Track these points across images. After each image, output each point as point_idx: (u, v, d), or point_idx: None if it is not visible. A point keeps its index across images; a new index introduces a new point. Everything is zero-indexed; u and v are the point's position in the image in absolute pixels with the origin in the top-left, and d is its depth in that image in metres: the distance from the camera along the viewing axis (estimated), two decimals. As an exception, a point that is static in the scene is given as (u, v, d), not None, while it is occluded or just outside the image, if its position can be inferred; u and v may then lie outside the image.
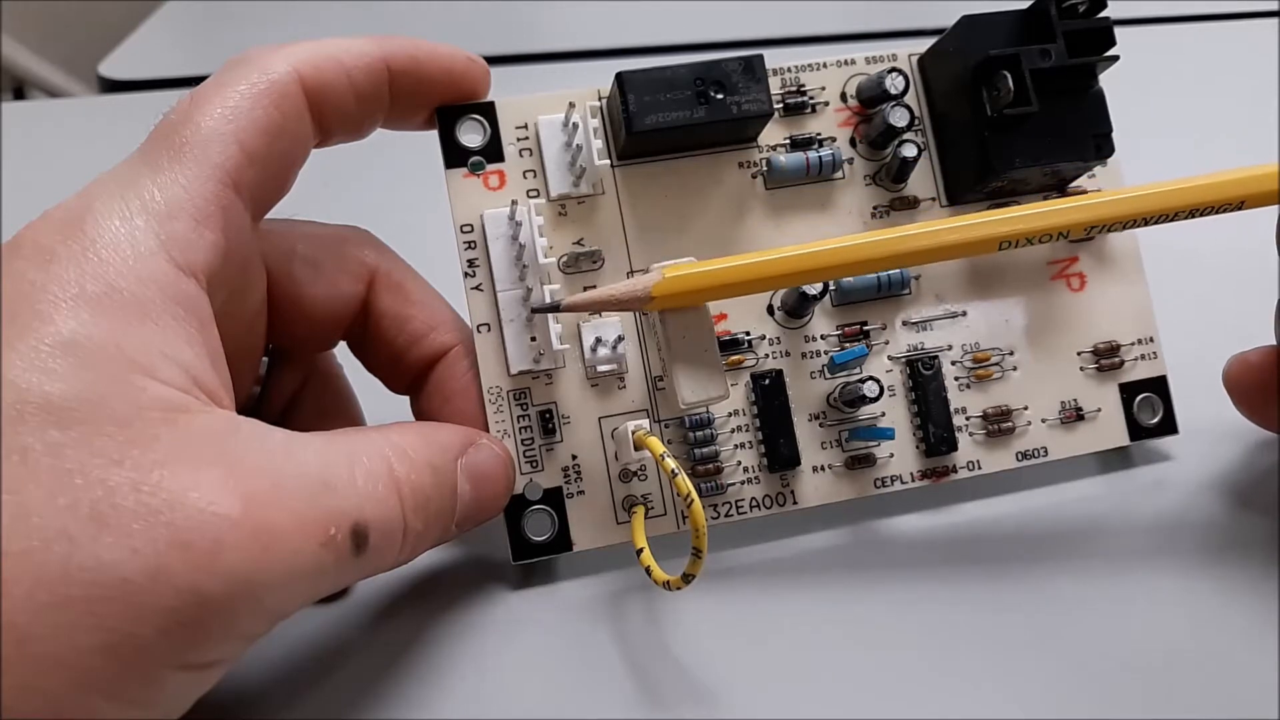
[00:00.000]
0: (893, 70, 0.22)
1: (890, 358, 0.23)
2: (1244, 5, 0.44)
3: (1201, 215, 0.20)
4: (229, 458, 0.15)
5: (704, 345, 0.20)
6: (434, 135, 0.21)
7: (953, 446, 0.23)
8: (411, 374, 0.22)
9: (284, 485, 0.15)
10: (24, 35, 0.74)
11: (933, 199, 0.23)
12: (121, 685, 0.13)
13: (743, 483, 0.22)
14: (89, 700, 0.13)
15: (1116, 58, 0.22)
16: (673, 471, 0.18)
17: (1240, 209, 0.20)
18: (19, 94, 0.76)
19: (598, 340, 0.21)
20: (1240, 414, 0.23)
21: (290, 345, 0.22)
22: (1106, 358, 0.24)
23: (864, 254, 0.19)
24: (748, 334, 0.22)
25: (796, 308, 0.22)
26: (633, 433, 0.20)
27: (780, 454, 0.22)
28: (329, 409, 0.23)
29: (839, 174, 0.23)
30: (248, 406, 0.22)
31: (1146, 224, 0.20)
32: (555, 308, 0.20)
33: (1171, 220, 0.20)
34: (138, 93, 0.42)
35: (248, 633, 0.15)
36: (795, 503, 0.22)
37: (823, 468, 0.22)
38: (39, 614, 0.13)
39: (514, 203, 0.21)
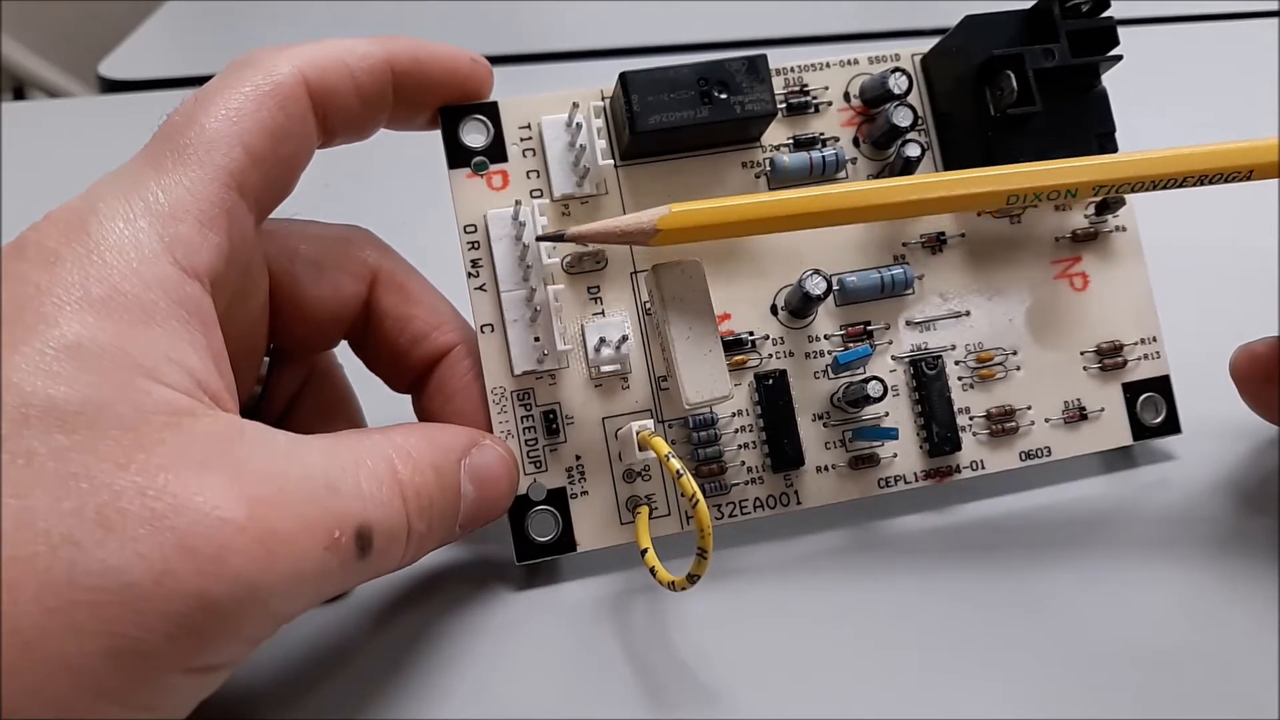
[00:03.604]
0: (896, 70, 0.22)
1: (894, 358, 0.23)
2: (1244, 5, 0.44)
3: (1211, 183, 0.20)
4: (234, 461, 0.15)
5: (708, 345, 0.20)
6: (437, 135, 0.21)
7: (956, 446, 0.23)
8: (414, 373, 0.22)
9: (288, 489, 0.15)
10: (24, 35, 0.74)
11: (936, 199, 0.23)
12: (127, 689, 0.13)
13: (747, 483, 0.22)
14: (94, 704, 0.13)
15: (1120, 57, 0.22)
16: (678, 472, 0.18)
17: (1249, 179, 0.20)
18: (19, 94, 0.76)
19: (601, 340, 0.21)
20: (1245, 404, 0.23)
21: (292, 345, 0.22)
22: (1109, 357, 0.24)
23: (869, 199, 0.19)
24: (751, 334, 0.22)
25: (800, 308, 0.22)
26: (637, 433, 0.20)
27: (784, 454, 0.22)
28: (330, 408, 0.23)
29: (842, 174, 0.23)
30: (249, 406, 0.22)
31: (1155, 188, 0.20)
32: (560, 237, 0.20)
33: (1181, 186, 0.20)
34: (138, 93, 0.42)
35: (252, 636, 0.15)
36: (799, 503, 0.22)
37: (826, 468, 0.22)
38: (45, 618, 0.12)
39: (517, 203, 0.21)
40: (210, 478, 0.14)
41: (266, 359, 0.22)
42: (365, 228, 0.22)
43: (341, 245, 0.21)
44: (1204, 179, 0.20)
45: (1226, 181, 0.20)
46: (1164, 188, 0.20)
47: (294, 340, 0.21)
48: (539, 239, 0.20)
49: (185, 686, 0.14)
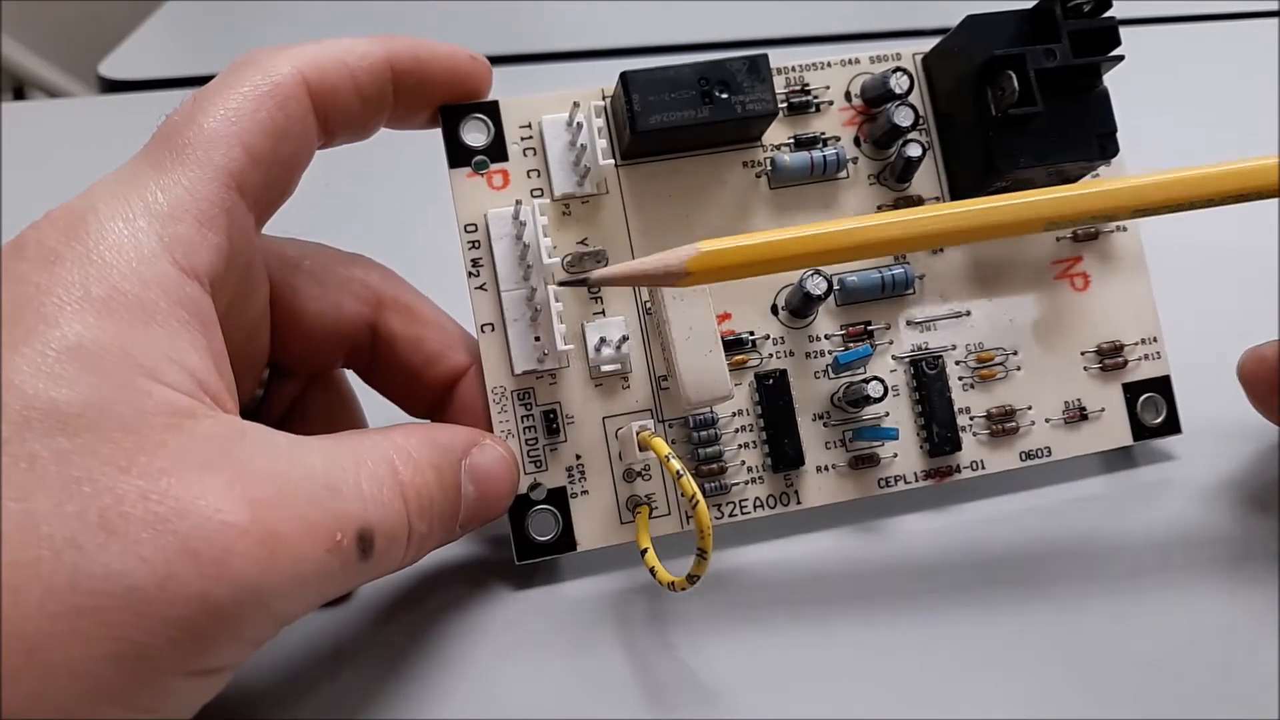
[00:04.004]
0: (897, 70, 0.22)
1: (894, 357, 0.23)
2: (1244, 5, 0.44)
3: (1243, 201, 0.20)
4: (235, 463, 0.14)
5: (708, 345, 0.20)
6: (437, 135, 0.21)
7: (956, 446, 0.23)
8: (432, 394, 0.21)
9: (290, 491, 0.15)
10: (24, 35, 0.74)
11: (937, 199, 0.23)
12: (131, 693, 0.13)
13: (747, 482, 0.22)
14: (99, 708, 0.13)
15: (1121, 57, 0.22)
16: (678, 473, 0.18)
17: (1277, 196, 0.20)
18: (19, 94, 0.76)
19: (602, 340, 0.21)
20: (1253, 408, 0.23)
21: (290, 362, 0.21)
22: (1110, 357, 0.24)
23: (901, 231, 0.19)
24: (752, 334, 0.22)
25: (800, 308, 0.22)
26: (637, 433, 0.20)
27: (784, 454, 0.22)
28: (332, 411, 0.23)
29: (843, 173, 0.23)
30: (249, 408, 0.22)
31: (1194, 208, 0.19)
32: (584, 282, 0.19)
33: (1217, 205, 0.19)
34: (138, 93, 0.42)
35: (255, 639, 0.15)
36: (799, 503, 0.22)
37: (826, 467, 0.22)
38: (48, 623, 0.12)
39: (518, 202, 0.21)
40: (212, 480, 0.14)
41: (266, 371, 0.22)
42: (369, 256, 0.22)
43: (345, 265, 0.21)
44: (1241, 197, 0.19)
45: (1259, 199, 0.20)
46: (1204, 207, 0.19)
47: (292, 357, 0.21)
48: (559, 284, 0.20)
49: (188, 689, 0.14)
